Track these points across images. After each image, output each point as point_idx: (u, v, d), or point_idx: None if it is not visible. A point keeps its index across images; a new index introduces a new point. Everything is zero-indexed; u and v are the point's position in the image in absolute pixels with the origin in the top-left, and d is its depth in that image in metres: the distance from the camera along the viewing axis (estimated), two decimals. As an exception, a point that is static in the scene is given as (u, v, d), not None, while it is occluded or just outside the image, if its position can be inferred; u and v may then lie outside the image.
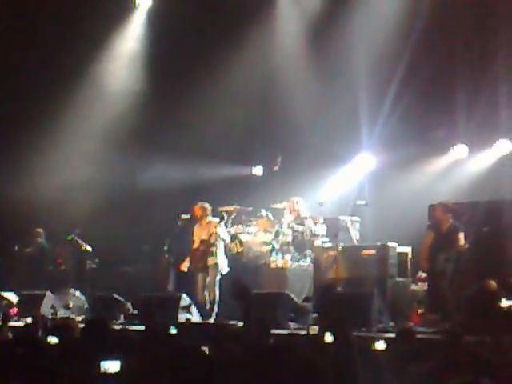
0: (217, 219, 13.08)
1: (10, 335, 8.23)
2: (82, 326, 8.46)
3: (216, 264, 12.88)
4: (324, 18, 15.54)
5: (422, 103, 14.70)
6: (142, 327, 8.28)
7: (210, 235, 12.90)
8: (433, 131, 15.09)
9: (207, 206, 13.22)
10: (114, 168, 16.67)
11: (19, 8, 16.22)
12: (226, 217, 13.32)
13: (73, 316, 13.12)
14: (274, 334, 9.11)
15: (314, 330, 9.66)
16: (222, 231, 13.07)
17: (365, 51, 14.95)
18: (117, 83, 16.98)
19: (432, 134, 15.07)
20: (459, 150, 15.22)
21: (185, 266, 13.19)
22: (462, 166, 15.13)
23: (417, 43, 14.47)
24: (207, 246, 12.90)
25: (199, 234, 13.08)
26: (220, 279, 12.88)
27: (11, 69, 16.43)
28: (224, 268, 12.97)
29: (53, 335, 7.35)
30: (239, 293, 10.43)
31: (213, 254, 12.90)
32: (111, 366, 5.45)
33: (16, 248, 16.12)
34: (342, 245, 12.86)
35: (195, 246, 13.08)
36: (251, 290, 10.02)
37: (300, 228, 14.03)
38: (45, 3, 16.14)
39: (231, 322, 9.98)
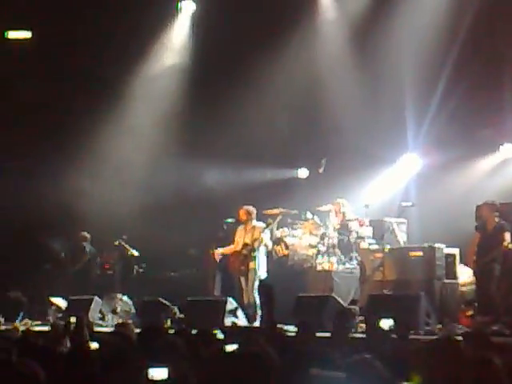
0: (262, 224, 13.23)
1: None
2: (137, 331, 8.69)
3: (255, 269, 13.03)
4: (368, 18, 15.50)
5: (469, 103, 14.59)
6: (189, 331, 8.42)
7: (254, 240, 13.07)
8: (480, 131, 14.99)
9: (252, 209, 13.36)
10: (159, 174, 16.95)
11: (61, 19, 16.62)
12: (272, 223, 13.44)
13: (121, 320, 13.32)
14: (319, 337, 9.25)
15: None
16: (266, 237, 13.20)
17: (411, 51, 14.89)
18: (161, 91, 17.23)
19: (479, 133, 14.97)
20: (507, 150, 15.12)
21: (217, 256, 13.32)
22: (509, 165, 15.02)
23: (464, 42, 14.44)
24: (250, 251, 13.07)
25: (243, 237, 13.24)
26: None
27: (58, 79, 16.82)
28: (262, 273, 13.10)
29: (108, 341, 7.45)
30: (263, 291, 10.64)
31: (254, 259, 13.05)
32: (159, 373, 5.38)
33: (63, 254, 16.47)
34: (388, 247, 12.84)
35: (238, 248, 13.25)
36: (275, 289, 10.21)
37: (346, 231, 14.11)
38: (86, 13, 16.47)
39: (279, 326, 10.06)
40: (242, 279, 13.17)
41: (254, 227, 13.21)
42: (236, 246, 13.33)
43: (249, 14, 16.22)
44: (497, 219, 11.96)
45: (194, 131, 16.90)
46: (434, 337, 10.06)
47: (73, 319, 9.54)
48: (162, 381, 5.34)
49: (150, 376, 5.37)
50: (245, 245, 13.16)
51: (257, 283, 12.97)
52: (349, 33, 15.97)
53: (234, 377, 4.51)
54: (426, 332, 10.79)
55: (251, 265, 13.05)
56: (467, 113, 14.75)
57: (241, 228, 13.40)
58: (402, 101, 15.09)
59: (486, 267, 11.76)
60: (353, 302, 12.29)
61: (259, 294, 12.48)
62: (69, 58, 16.80)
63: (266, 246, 13.21)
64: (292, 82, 16.11)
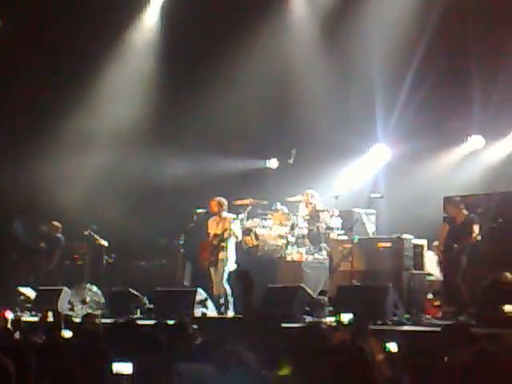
0: (232, 215, 13.29)
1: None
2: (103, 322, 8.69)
3: (224, 259, 13.09)
4: (337, 9, 15.58)
5: (438, 94, 14.73)
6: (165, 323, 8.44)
7: (224, 230, 13.12)
8: (448, 122, 15.13)
9: (224, 201, 13.42)
10: (129, 163, 16.91)
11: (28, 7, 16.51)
12: (242, 215, 13.48)
13: (90, 311, 13.34)
14: (287, 327, 9.31)
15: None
16: (236, 228, 13.27)
17: (379, 42, 14.97)
18: (129, 80, 17.18)
19: (447, 124, 15.12)
20: (475, 141, 15.28)
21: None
22: (477, 157, 15.19)
23: (432, 33, 14.52)
24: (219, 241, 13.13)
25: (213, 229, 13.30)
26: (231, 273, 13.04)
27: (24, 72, 16.72)
28: (232, 264, 13.15)
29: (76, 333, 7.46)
30: (240, 279, 10.65)
31: (223, 249, 13.12)
32: (123, 367, 5.42)
33: (42, 244, 16.40)
34: (357, 237, 12.98)
35: (209, 239, 13.31)
36: (251, 275, 10.28)
37: (315, 221, 14.20)
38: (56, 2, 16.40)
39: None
40: (212, 270, 13.22)
41: (224, 218, 13.26)
42: (208, 238, 13.37)
43: (220, 3, 16.22)
44: (465, 212, 12.13)
45: (163, 120, 16.88)
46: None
47: (50, 314, 9.57)
48: (126, 375, 5.38)
49: (114, 370, 5.42)
50: (215, 235, 13.21)
51: (226, 274, 13.03)
52: (319, 24, 16.06)
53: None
54: (393, 322, 10.91)
55: (220, 255, 13.12)
56: (435, 104, 14.89)
57: (212, 220, 13.46)
58: (371, 92, 15.17)
59: (453, 258, 11.94)
60: (322, 293, 12.39)
61: (237, 282, 12.54)
62: (38, 46, 16.66)
63: (235, 236, 13.27)
64: (262, 72, 16.13)
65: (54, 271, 15.83)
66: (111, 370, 5.43)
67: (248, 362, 4.65)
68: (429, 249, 12.83)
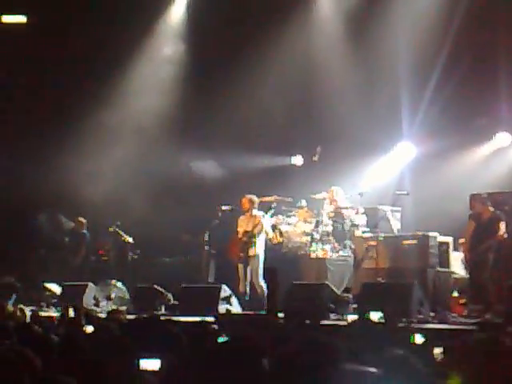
0: (261, 212, 13.30)
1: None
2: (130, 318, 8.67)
3: (256, 255, 13.09)
4: (363, 6, 15.53)
5: (464, 91, 14.65)
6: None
7: (255, 227, 13.13)
8: (475, 119, 15.04)
9: (255, 198, 13.46)
10: (154, 159, 16.90)
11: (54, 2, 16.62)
12: (272, 210, 13.49)
13: (114, 307, 13.38)
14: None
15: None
16: (267, 224, 13.27)
17: (406, 39, 14.92)
18: (155, 74, 17.22)
19: (474, 122, 15.02)
20: (502, 138, 15.17)
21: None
22: (504, 154, 15.10)
23: (458, 31, 14.47)
24: (250, 237, 13.13)
25: (244, 226, 13.31)
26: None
27: (51, 70, 16.84)
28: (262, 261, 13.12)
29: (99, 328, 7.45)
30: (267, 276, 10.68)
31: (253, 245, 13.11)
32: (151, 364, 5.33)
33: (67, 240, 16.49)
34: (382, 235, 12.94)
35: (239, 236, 13.31)
36: (278, 273, 10.27)
37: (340, 218, 14.17)
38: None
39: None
40: (240, 266, 13.22)
41: (255, 216, 13.28)
42: (238, 235, 13.38)
43: (245, 1, 16.23)
44: (491, 209, 12.04)
45: (189, 115, 16.84)
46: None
47: (71, 309, 9.62)
48: (153, 372, 5.25)
49: (141, 367, 5.33)
50: (245, 232, 13.23)
51: (261, 270, 12.97)
52: (345, 22, 15.99)
53: (228, 370, 4.49)
54: (418, 320, 10.85)
55: (251, 252, 13.12)
56: (462, 101, 14.80)
57: (242, 217, 13.47)
58: (398, 89, 15.11)
59: (480, 256, 11.85)
60: (346, 290, 12.34)
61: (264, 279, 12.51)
62: (64, 42, 16.75)
63: (266, 233, 13.28)
64: (288, 69, 16.10)
65: (79, 267, 15.91)
66: (138, 366, 5.36)
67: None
68: (455, 247, 12.74)
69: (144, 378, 4.84)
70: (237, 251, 13.24)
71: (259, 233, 13.15)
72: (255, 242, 13.13)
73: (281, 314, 10.49)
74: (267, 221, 13.34)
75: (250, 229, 13.19)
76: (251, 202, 13.35)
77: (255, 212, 13.35)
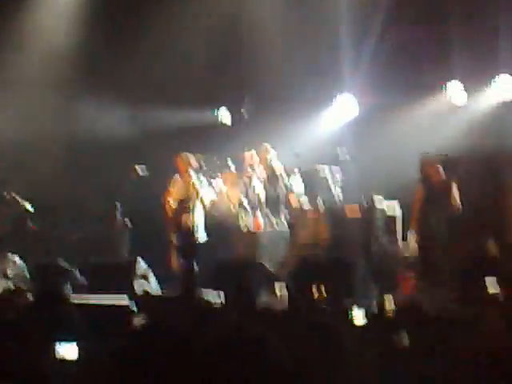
0: (193, 173, 13.02)
1: None
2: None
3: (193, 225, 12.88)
4: None
5: (413, 38, 14.81)
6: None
7: (191, 192, 12.86)
8: (424, 69, 15.07)
9: (190, 157, 13.16)
10: (54, 114, 16.31)
11: None
12: (203, 168, 13.26)
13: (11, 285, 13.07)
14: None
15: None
16: (201, 187, 13.04)
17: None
18: (53, 15, 16.66)
19: (423, 72, 15.04)
20: (453, 91, 15.11)
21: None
22: (457, 111, 15.09)
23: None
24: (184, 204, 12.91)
25: (179, 189, 13.03)
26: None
27: None
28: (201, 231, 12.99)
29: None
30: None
31: (189, 212, 12.85)
32: (68, 351, 5.31)
33: None
34: (321, 202, 12.84)
35: (172, 204, 13.07)
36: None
37: (274, 183, 13.93)
38: None
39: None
40: (174, 236, 12.95)
41: (189, 177, 12.98)
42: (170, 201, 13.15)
43: None
44: (443, 175, 12.01)
45: (96, 64, 16.39)
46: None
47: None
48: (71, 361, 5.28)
49: (57, 354, 5.29)
50: (180, 200, 12.96)
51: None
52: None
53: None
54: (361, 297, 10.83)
55: (187, 220, 12.87)
56: (410, 49, 14.87)
57: (177, 179, 13.12)
58: (338, 34, 15.10)
59: (430, 227, 11.86)
60: (282, 266, 12.30)
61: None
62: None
63: (201, 197, 13.03)
64: (214, 10, 15.82)
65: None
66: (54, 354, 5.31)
67: None
68: (403, 217, 12.79)
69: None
70: (173, 219, 12.98)
71: (195, 199, 12.91)
72: (191, 209, 12.92)
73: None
74: (203, 185, 13.15)
75: (185, 194, 12.93)
76: (187, 161, 13.03)
77: (191, 173, 13.06)
